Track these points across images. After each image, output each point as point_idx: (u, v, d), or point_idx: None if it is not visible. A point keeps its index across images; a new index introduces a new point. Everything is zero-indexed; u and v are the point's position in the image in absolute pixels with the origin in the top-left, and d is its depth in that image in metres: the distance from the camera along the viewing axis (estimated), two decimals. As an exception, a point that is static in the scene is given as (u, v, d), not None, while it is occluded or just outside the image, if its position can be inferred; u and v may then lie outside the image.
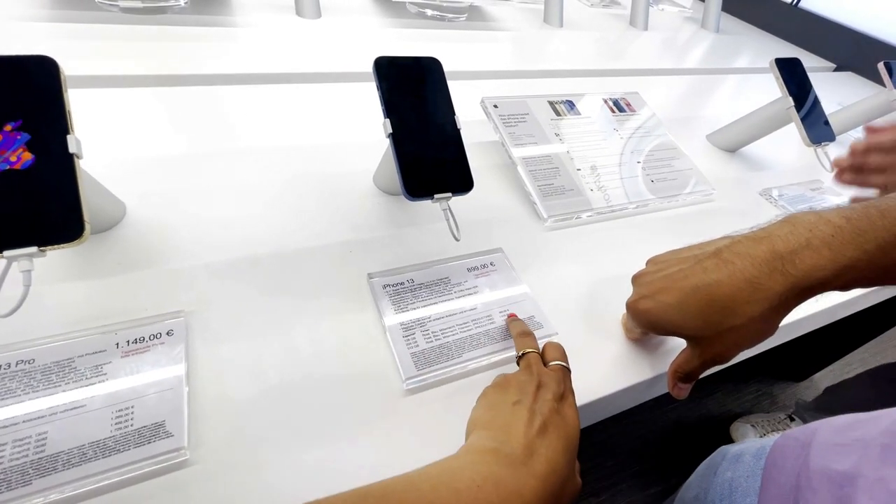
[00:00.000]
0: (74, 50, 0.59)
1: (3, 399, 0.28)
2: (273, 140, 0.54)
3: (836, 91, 1.03)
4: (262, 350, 0.35)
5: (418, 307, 0.39)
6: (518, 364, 0.34)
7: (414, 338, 0.37)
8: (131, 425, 0.29)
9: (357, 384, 0.35)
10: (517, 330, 0.37)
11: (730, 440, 1.14)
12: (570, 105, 0.63)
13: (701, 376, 0.37)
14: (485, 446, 0.26)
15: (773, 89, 0.64)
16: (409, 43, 0.81)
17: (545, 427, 0.27)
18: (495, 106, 0.58)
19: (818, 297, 0.31)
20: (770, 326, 0.33)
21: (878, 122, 0.58)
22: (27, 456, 0.27)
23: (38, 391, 0.29)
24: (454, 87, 0.42)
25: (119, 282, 0.37)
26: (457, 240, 0.40)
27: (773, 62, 0.63)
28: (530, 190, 0.53)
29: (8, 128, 0.29)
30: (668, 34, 1.17)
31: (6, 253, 0.27)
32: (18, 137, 0.29)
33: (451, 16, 0.94)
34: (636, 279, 0.38)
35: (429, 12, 0.92)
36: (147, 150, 0.48)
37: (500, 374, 0.33)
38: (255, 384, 0.33)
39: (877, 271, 0.30)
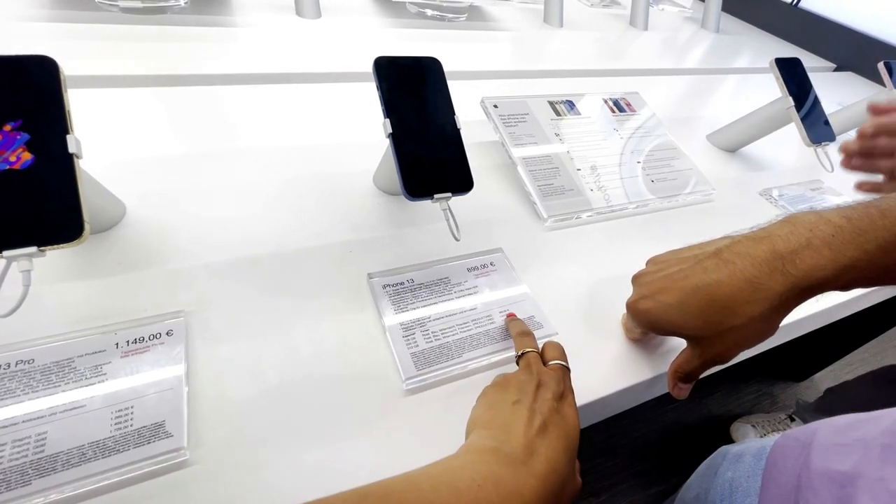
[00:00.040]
0: (74, 50, 0.59)
1: (2, 399, 0.28)
2: (273, 140, 0.54)
3: (836, 91, 1.03)
4: (261, 350, 0.35)
5: (418, 307, 0.39)
6: (517, 364, 0.34)
7: (414, 338, 0.37)
8: (131, 425, 0.29)
9: (357, 384, 0.35)
10: (516, 330, 0.37)
11: (730, 440, 1.13)
12: (570, 105, 0.63)
13: (701, 376, 0.37)
14: (485, 445, 0.26)
15: (773, 89, 0.64)
16: (409, 43, 0.81)
17: (545, 426, 0.27)
18: (495, 106, 0.58)
19: (818, 297, 0.31)
20: (770, 326, 0.33)
21: (881, 99, 0.56)
22: (27, 456, 0.27)
23: (37, 391, 0.29)
24: (454, 87, 0.42)
25: (119, 282, 0.37)
26: (457, 240, 0.40)
27: (774, 62, 0.63)
28: (530, 190, 0.53)
29: (7, 128, 0.29)
30: (668, 34, 1.17)
31: (6, 253, 0.27)
32: (18, 137, 0.29)
33: (451, 16, 0.94)
34: (636, 279, 0.38)
35: (429, 12, 0.92)
36: (147, 150, 0.48)
37: (500, 374, 0.33)
38: (254, 384, 0.33)
39: (877, 271, 0.30)
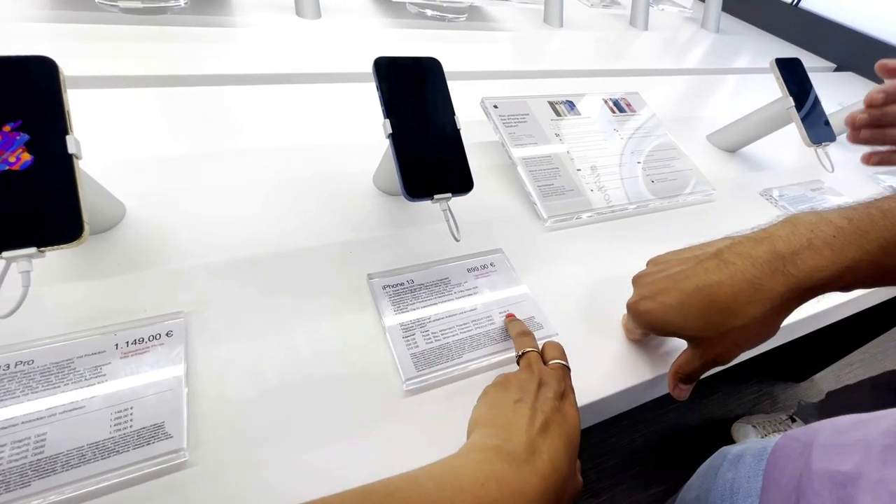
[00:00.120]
0: (74, 50, 0.59)
1: (2, 400, 0.28)
2: (273, 140, 0.54)
3: (836, 91, 1.03)
4: (261, 351, 0.35)
5: (418, 308, 0.39)
6: (518, 364, 0.34)
7: (414, 338, 0.37)
8: (130, 426, 0.29)
9: (357, 385, 0.34)
10: (516, 330, 0.37)
11: (730, 441, 1.13)
12: (571, 105, 0.63)
13: (701, 377, 0.37)
14: (487, 444, 0.26)
15: (773, 89, 0.64)
16: (409, 43, 0.81)
17: (547, 425, 0.27)
18: (495, 106, 0.58)
19: (819, 297, 0.31)
20: (771, 327, 0.33)
21: (891, 61, 0.51)
22: (26, 457, 0.27)
23: (37, 392, 0.29)
24: (454, 87, 0.42)
25: (118, 282, 0.37)
26: (457, 240, 0.40)
27: (774, 62, 0.63)
28: (530, 190, 0.53)
29: (7, 128, 0.29)
30: (668, 34, 1.17)
31: (5, 254, 0.27)
32: (18, 138, 0.29)
33: (451, 16, 0.94)
34: (637, 280, 0.38)
35: (429, 12, 0.92)
36: (147, 150, 0.48)
37: (501, 374, 0.33)
38: (254, 385, 0.33)
39: (878, 272, 0.30)
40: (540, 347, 0.35)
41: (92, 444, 0.28)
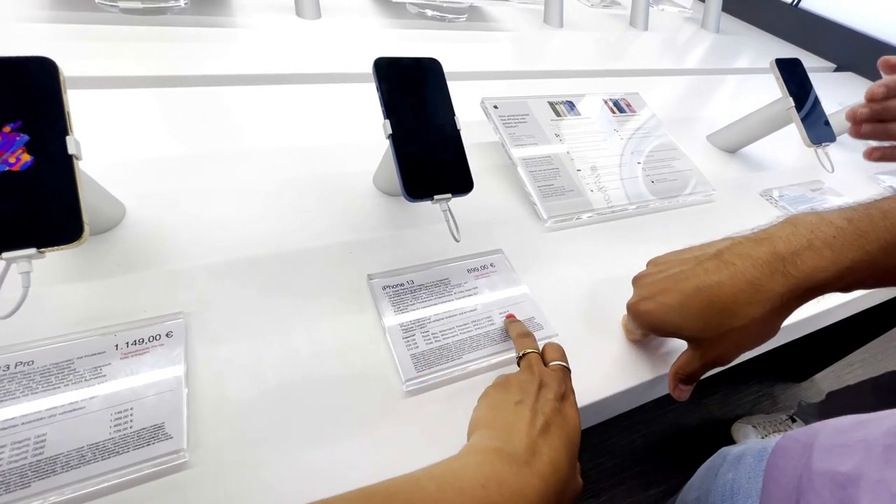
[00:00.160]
0: (74, 51, 0.59)
1: (2, 401, 0.28)
2: (273, 141, 0.54)
3: (836, 91, 1.03)
4: (261, 351, 0.35)
5: (418, 308, 0.39)
6: (518, 365, 0.34)
7: (414, 339, 0.37)
8: (130, 427, 0.29)
9: (357, 386, 0.34)
10: (517, 331, 0.37)
11: (730, 441, 1.13)
12: (571, 106, 0.63)
13: (702, 377, 0.37)
14: (488, 446, 0.26)
15: (773, 90, 0.64)
16: (409, 43, 0.81)
17: (547, 427, 0.27)
18: (495, 106, 0.58)
19: (819, 298, 0.31)
20: (771, 328, 0.33)
21: (893, 57, 0.50)
22: (26, 458, 0.27)
23: (37, 393, 0.29)
24: (454, 87, 0.42)
25: (118, 283, 0.37)
26: (457, 241, 0.40)
27: (774, 62, 0.63)
28: (530, 191, 0.53)
29: (7, 129, 0.28)
30: (668, 34, 1.17)
31: (5, 254, 0.27)
32: (18, 139, 0.29)
33: (451, 16, 0.94)
34: (637, 280, 0.38)
35: (429, 13, 0.92)
36: (147, 151, 0.48)
37: (501, 375, 0.33)
38: (254, 385, 0.33)
39: (879, 273, 0.30)
40: (540, 349, 0.35)
41: (92, 445, 0.28)
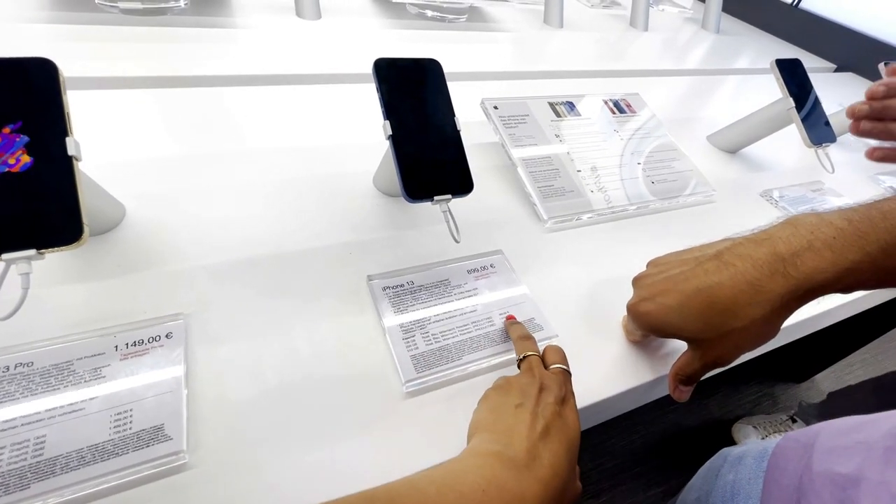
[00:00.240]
0: (74, 51, 0.59)
1: (1, 402, 0.28)
2: (273, 141, 0.53)
3: (836, 92, 1.03)
4: (261, 352, 0.35)
5: (418, 309, 0.39)
6: (519, 367, 0.34)
7: (413, 340, 0.37)
8: (130, 428, 0.29)
9: (357, 386, 0.34)
10: (517, 333, 0.37)
11: (731, 441, 1.13)
12: (571, 106, 0.63)
13: (702, 378, 0.37)
14: (488, 449, 0.26)
15: (773, 90, 0.64)
16: (409, 44, 0.81)
17: (547, 430, 0.27)
18: (495, 107, 0.58)
19: (819, 298, 0.31)
20: (771, 329, 0.33)
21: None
22: (25, 459, 0.26)
23: (36, 394, 0.29)
24: (454, 88, 0.42)
25: (118, 284, 0.37)
26: (457, 241, 0.40)
27: (774, 63, 0.63)
28: (530, 191, 0.53)
29: (7, 130, 0.28)
30: (668, 35, 1.17)
31: (5, 256, 0.27)
32: (17, 140, 0.29)
33: (451, 17, 0.94)
34: (637, 281, 0.38)
35: (429, 13, 0.92)
36: (147, 151, 0.48)
37: (502, 377, 0.33)
38: (254, 386, 0.33)
39: (879, 273, 0.30)
40: (541, 351, 0.35)
41: (91, 447, 0.28)
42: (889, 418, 0.31)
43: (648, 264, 0.39)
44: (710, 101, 0.91)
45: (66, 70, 0.31)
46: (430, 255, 0.45)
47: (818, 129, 0.63)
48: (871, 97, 0.51)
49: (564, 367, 0.33)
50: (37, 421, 0.28)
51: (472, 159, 0.41)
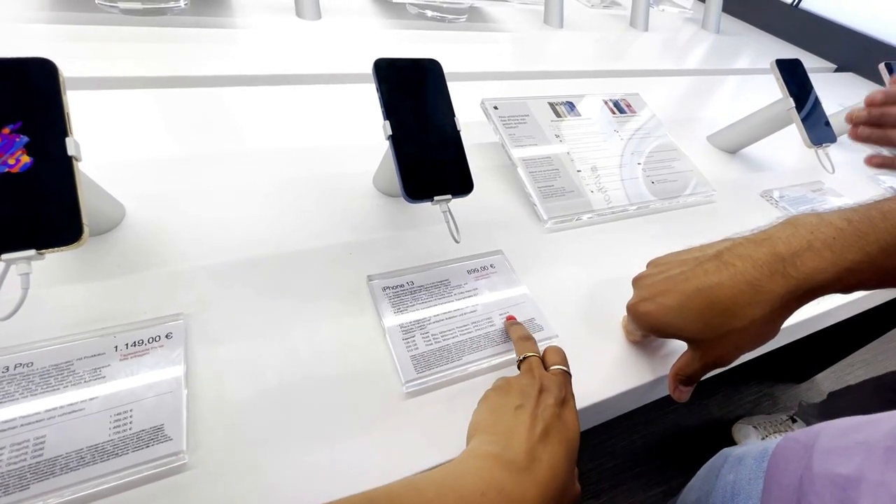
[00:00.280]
0: (74, 51, 0.59)
1: (1, 402, 0.28)
2: (273, 141, 0.53)
3: (837, 92, 1.03)
4: (261, 352, 0.35)
5: (418, 309, 0.39)
6: (519, 368, 0.34)
7: (413, 340, 0.37)
8: (130, 429, 0.29)
9: (357, 387, 0.34)
10: (517, 334, 0.37)
11: (731, 441, 1.13)
12: (571, 106, 0.63)
13: (702, 378, 0.37)
14: (487, 451, 0.26)
15: (773, 90, 0.64)
16: (409, 44, 0.81)
17: (547, 432, 0.27)
18: (495, 107, 0.58)
19: (819, 299, 0.31)
20: (771, 329, 0.33)
21: None
22: (25, 460, 0.26)
23: (36, 394, 0.29)
24: (454, 88, 0.42)
25: (118, 284, 0.37)
26: (457, 242, 0.40)
27: (774, 63, 0.63)
28: (530, 191, 0.53)
29: (6, 130, 0.28)
30: (668, 35, 1.17)
31: (4, 256, 0.27)
32: (17, 140, 0.29)
33: (451, 17, 0.94)
34: (637, 281, 0.38)
35: (429, 13, 0.92)
36: (147, 151, 0.48)
37: (502, 377, 0.33)
38: (254, 386, 0.33)
39: (879, 274, 0.30)
40: (541, 352, 0.35)
41: (91, 447, 0.28)
42: (889, 419, 0.31)
43: (648, 264, 0.39)
44: (710, 102, 0.91)
45: (66, 70, 0.31)
46: (430, 255, 0.45)
47: (818, 129, 0.63)
48: (870, 104, 0.52)
49: (565, 368, 0.33)
50: (36, 421, 0.28)
51: (472, 159, 0.41)
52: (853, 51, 1.21)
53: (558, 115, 0.61)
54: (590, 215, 0.53)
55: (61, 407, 0.29)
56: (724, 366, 0.35)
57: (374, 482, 0.23)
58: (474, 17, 0.98)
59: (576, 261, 0.49)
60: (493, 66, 0.80)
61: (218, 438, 0.30)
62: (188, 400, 0.31)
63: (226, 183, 0.47)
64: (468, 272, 0.43)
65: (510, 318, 0.40)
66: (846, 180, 0.73)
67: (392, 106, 0.38)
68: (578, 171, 0.57)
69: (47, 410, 0.28)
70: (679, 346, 0.41)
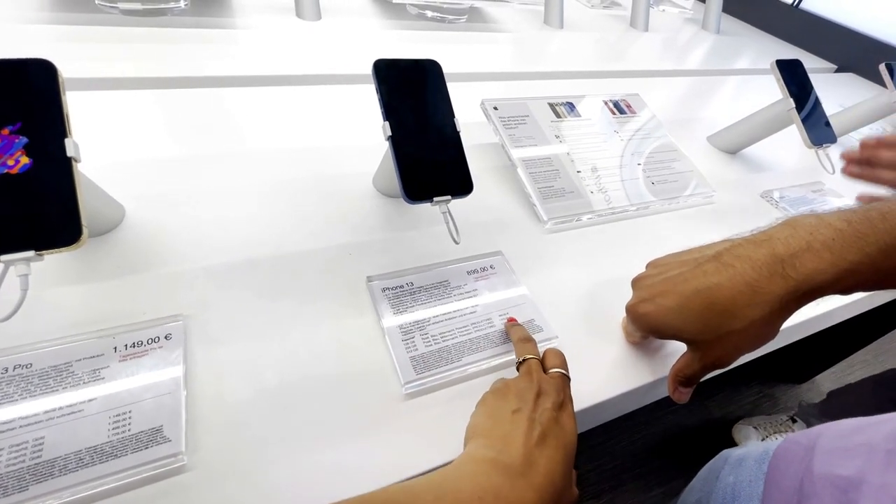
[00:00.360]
0: (73, 52, 0.59)
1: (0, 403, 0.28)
2: (272, 142, 0.53)
3: (837, 92, 1.03)
4: (260, 353, 0.35)
5: (417, 310, 0.39)
6: (518, 370, 0.34)
7: (413, 341, 0.37)
8: (129, 430, 0.29)
9: (356, 388, 0.34)
10: (517, 335, 0.37)
11: (731, 442, 1.13)
12: (571, 107, 0.63)
13: (702, 379, 0.37)
14: (484, 456, 0.26)
15: (773, 91, 0.64)
16: (409, 44, 0.81)
17: (544, 437, 0.27)
18: (495, 108, 0.58)
19: (819, 299, 0.31)
20: (771, 330, 0.32)
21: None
22: (24, 461, 0.26)
23: (35, 395, 0.29)
24: (454, 88, 0.42)
25: (117, 285, 0.37)
26: (456, 243, 0.40)
27: (774, 63, 0.63)
28: (530, 192, 0.53)
29: (6, 131, 0.28)
30: (668, 35, 1.17)
31: (4, 257, 0.27)
32: (16, 141, 0.29)
33: (451, 17, 0.94)
34: (636, 282, 0.38)
35: (429, 14, 0.92)
36: (146, 152, 0.48)
37: (500, 379, 0.33)
38: (253, 388, 0.33)
39: (878, 275, 0.30)
40: (541, 354, 0.35)
41: (90, 448, 0.28)
42: (891, 420, 0.31)
43: (648, 265, 0.39)
44: (711, 102, 0.91)
45: (65, 71, 0.31)
46: (429, 256, 0.44)
47: (818, 129, 0.63)
48: (863, 146, 0.57)
49: (564, 371, 0.33)
50: (35, 422, 0.28)
51: (472, 160, 0.41)
52: (853, 51, 1.21)
53: (558, 115, 0.61)
54: (590, 216, 0.53)
55: (60, 408, 0.29)
56: (723, 367, 0.35)
57: (374, 483, 0.23)
58: (474, 17, 0.98)
59: (576, 262, 0.49)
60: (493, 67, 0.80)
61: (217, 440, 0.30)
62: (187, 401, 0.31)
63: (226, 184, 0.47)
64: (468, 273, 0.43)
65: (511, 320, 0.40)
66: (846, 181, 0.73)
67: (392, 107, 0.38)
68: (578, 171, 0.57)
69: (46, 412, 0.28)
70: (678, 347, 0.41)
